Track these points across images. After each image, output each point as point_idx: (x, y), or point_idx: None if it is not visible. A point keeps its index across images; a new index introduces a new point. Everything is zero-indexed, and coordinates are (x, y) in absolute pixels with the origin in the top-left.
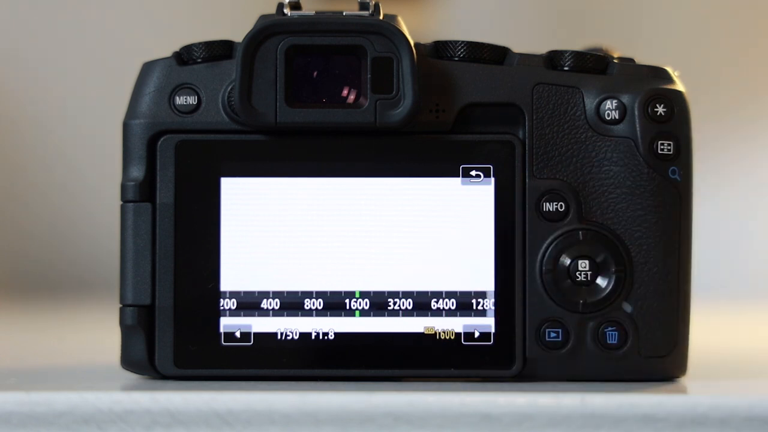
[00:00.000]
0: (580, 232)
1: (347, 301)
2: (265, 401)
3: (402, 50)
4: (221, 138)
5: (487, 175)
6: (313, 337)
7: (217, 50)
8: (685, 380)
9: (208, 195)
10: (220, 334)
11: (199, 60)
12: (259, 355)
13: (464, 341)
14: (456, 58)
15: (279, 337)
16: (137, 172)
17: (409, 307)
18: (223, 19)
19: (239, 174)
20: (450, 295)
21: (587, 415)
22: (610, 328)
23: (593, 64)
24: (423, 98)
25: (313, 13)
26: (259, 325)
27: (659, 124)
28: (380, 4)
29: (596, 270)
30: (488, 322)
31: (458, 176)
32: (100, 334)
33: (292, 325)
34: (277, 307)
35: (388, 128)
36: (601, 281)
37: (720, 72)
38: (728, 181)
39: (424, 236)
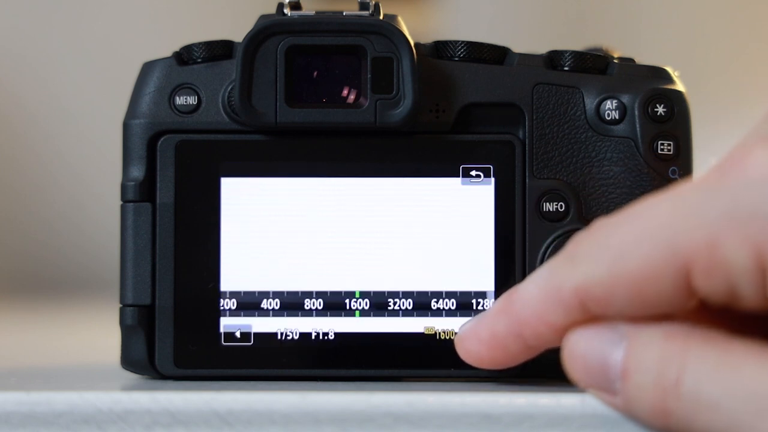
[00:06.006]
0: None
1: (347, 301)
2: (265, 401)
3: (402, 50)
4: (221, 138)
5: (487, 175)
6: (313, 337)
7: (217, 50)
8: None
9: (208, 195)
10: (220, 334)
11: (199, 60)
12: (259, 355)
13: None
14: (456, 58)
15: (279, 337)
16: (137, 172)
17: (409, 307)
18: (223, 19)
19: (239, 174)
20: (450, 295)
21: (587, 415)
22: None
23: (593, 64)
24: (423, 98)
25: (313, 13)
26: (259, 325)
27: (659, 124)
28: (380, 4)
29: None
30: None
31: (458, 176)
32: (100, 334)
33: (292, 325)
34: (277, 307)
35: (388, 128)
36: None
37: (720, 72)
38: None
39: (424, 236)
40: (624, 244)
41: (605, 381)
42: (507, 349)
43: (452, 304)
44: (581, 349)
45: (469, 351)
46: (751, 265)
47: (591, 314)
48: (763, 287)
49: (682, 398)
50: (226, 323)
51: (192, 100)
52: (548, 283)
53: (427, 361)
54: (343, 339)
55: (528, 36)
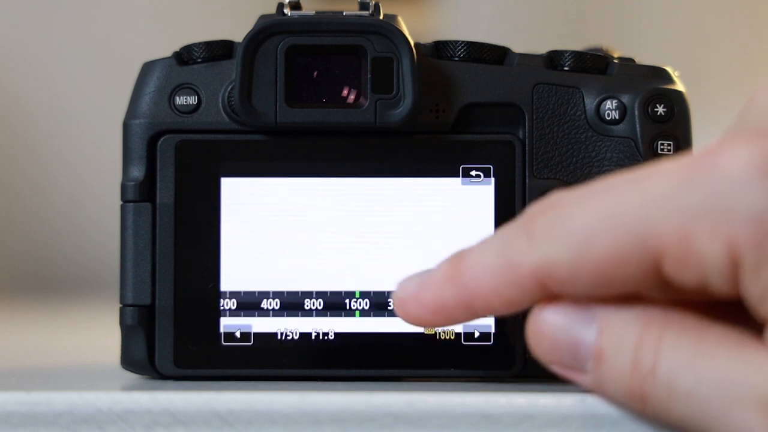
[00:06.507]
0: None
1: (347, 301)
2: (265, 401)
3: (402, 50)
4: (221, 138)
5: (487, 175)
6: (313, 337)
7: (217, 50)
8: None
9: (208, 195)
10: (220, 334)
11: (199, 60)
12: (259, 355)
13: (464, 341)
14: (456, 58)
15: (279, 337)
16: (137, 172)
17: None
18: (223, 19)
19: (239, 174)
20: None
21: (587, 415)
22: None
23: (593, 64)
24: (423, 98)
25: (313, 13)
26: (259, 325)
27: (659, 124)
28: (380, 4)
29: None
30: (488, 322)
31: (458, 176)
32: (100, 334)
33: (292, 325)
34: (277, 307)
35: (388, 128)
36: None
37: (720, 72)
38: None
39: (424, 236)
40: (591, 226)
41: (574, 360)
42: (452, 316)
43: None
44: (550, 327)
45: (409, 313)
46: (723, 259)
47: (549, 292)
48: (734, 280)
49: (657, 385)
50: (226, 323)
51: (192, 100)
52: (503, 259)
53: (427, 361)
54: (343, 339)
55: (528, 36)
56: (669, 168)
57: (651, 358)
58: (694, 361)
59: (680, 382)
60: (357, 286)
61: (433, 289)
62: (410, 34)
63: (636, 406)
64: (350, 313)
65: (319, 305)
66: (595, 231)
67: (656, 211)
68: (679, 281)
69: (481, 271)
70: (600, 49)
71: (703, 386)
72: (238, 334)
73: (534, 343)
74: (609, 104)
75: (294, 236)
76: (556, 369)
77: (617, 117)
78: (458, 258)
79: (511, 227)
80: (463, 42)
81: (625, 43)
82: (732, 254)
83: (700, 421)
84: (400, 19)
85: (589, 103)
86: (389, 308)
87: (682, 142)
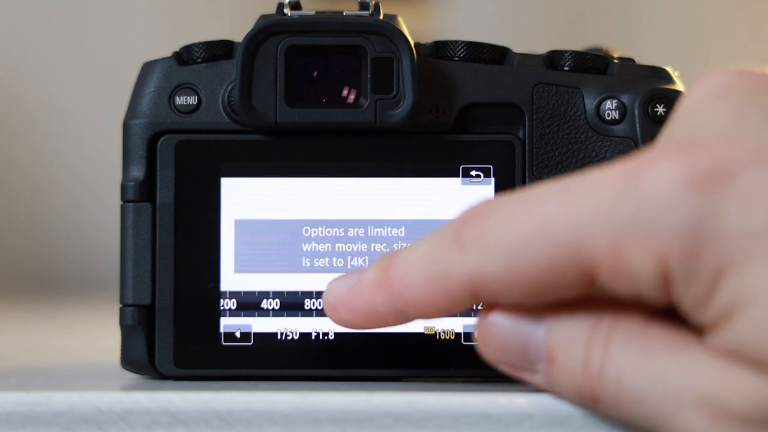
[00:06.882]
0: None
1: None
2: (265, 401)
3: (402, 50)
4: (221, 138)
5: (487, 175)
6: (313, 337)
7: (217, 50)
8: None
9: (208, 195)
10: (220, 334)
11: (199, 60)
12: (259, 355)
13: (464, 341)
14: (456, 58)
15: (279, 337)
16: (137, 172)
17: None
18: (223, 19)
19: (239, 174)
20: None
21: (587, 415)
22: None
23: (593, 64)
24: (423, 98)
25: (313, 13)
26: (259, 325)
27: (659, 124)
28: (380, 4)
29: None
30: None
31: (458, 176)
32: (100, 334)
33: (292, 325)
34: (277, 307)
35: (389, 128)
36: None
37: None
38: None
39: (424, 236)
40: (522, 239)
41: (524, 360)
42: (384, 320)
43: None
44: (497, 329)
45: (341, 317)
46: (655, 273)
47: (481, 300)
48: (666, 292)
49: (606, 386)
50: (226, 323)
51: (192, 100)
52: (434, 268)
53: (427, 361)
54: (343, 339)
55: (528, 36)
56: (600, 178)
57: (599, 359)
58: (640, 362)
59: (628, 383)
60: None
61: (364, 295)
62: (410, 34)
63: (588, 405)
64: None
65: (319, 305)
66: (526, 242)
67: (588, 223)
68: (614, 291)
69: (412, 279)
70: (600, 49)
71: (649, 387)
72: (238, 334)
73: (482, 344)
74: (609, 104)
75: (294, 236)
76: (505, 369)
77: (617, 117)
78: (388, 263)
79: (441, 234)
80: (463, 42)
81: (625, 43)
82: (663, 268)
83: (648, 421)
84: (400, 19)
85: (589, 103)
86: None
87: None
